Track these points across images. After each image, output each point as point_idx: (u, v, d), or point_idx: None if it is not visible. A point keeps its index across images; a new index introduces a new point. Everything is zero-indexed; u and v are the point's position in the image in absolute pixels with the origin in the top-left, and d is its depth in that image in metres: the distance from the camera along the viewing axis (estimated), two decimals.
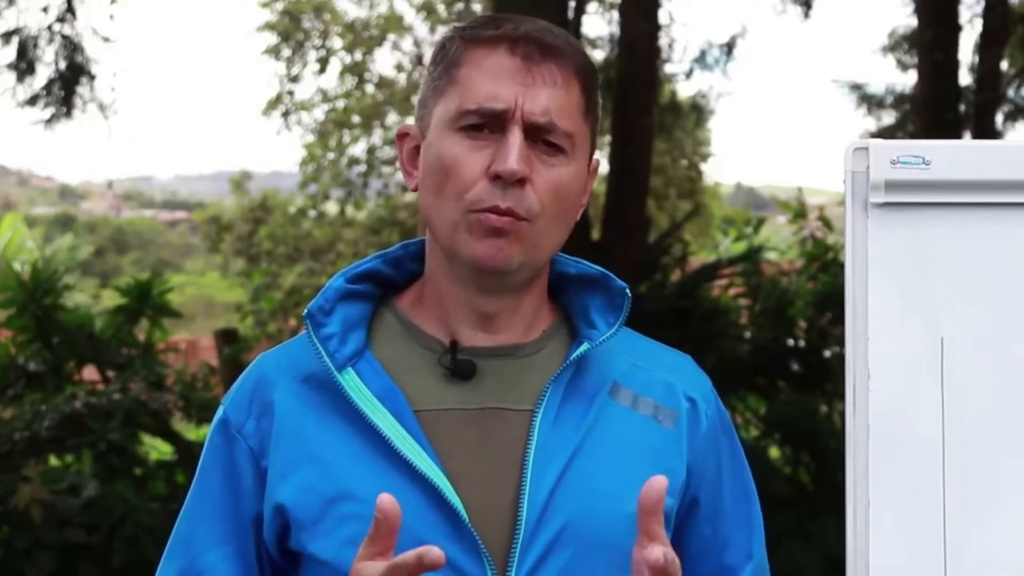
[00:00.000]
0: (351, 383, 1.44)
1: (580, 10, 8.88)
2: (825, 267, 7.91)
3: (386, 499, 1.27)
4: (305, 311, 1.47)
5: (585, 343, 1.48)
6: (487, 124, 1.43)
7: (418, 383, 1.46)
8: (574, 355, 1.47)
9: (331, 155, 21.48)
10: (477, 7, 15.95)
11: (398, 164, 1.53)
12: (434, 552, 1.24)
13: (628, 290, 1.52)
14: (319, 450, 1.44)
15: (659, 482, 1.30)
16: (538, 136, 1.43)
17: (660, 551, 1.27)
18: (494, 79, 1.43)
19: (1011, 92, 10.38)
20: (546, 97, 1.43)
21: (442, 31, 1.51)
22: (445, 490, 1.40)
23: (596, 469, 1.45)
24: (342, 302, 1.49)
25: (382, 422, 1.42)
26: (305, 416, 1.46)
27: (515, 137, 1.41)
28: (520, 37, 1.44)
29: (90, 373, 6.77)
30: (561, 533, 1.42)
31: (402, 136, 1.53)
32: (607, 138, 8.63)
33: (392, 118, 20.84)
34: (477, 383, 1.47)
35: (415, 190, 1.50)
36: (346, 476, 1.42)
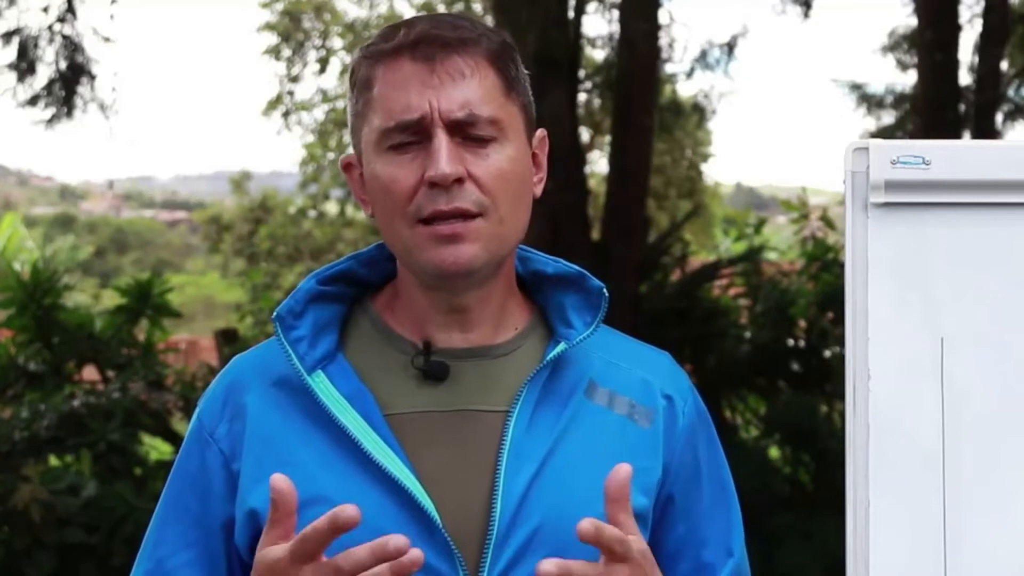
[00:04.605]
0: (321, 385, 1.44)
1: (580, 10, 8.87)
2: (826, 267, 7.91)
3: (279, 479, 1.27)
4: (274, 313, 1.46)
5: (562, 343, 1.48)
6: (412, 137, 1.41)
7: (390, 385, 1.46)
8: (550, 355, 1.47)
9: (331, 155, 21.47)
10: (477, 7, 15.94)
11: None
12: (348, 511, 1.24)
13: (605, 290, 1.51)
14: (290, 454, 1.44)
15: (624, 470, 1.30)
16: (463, 132, 1.41)
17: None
18: (404, 90, 1.41)
19: (1011, 92, 10.38)
20: (459, 92, 1.41)
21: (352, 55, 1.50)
22: (416, 492, 1.39)
23: (570, 471, 1.44)
24: (313, 304, 1.49)
25: (351, 424, 1.42)
26: (277, 420, 1.46)
27: (440, 140, 1.40)
28: (417, 40, 1.42)
29: (90, 373, 6.77)
30: (534, 535, 1.41)
31: (347, 167, 1.52)
32: (607, 138, 8.63)
33: None
34: (450, 385, 1.46)
35: (373, 216, 1.49)
36: (317, 480, 1.42)
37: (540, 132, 1.51)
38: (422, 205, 1.40)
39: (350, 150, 1.54)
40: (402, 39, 1.43)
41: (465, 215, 1.40)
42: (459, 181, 1.40)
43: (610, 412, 1.49)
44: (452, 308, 1.47)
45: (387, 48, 1.44)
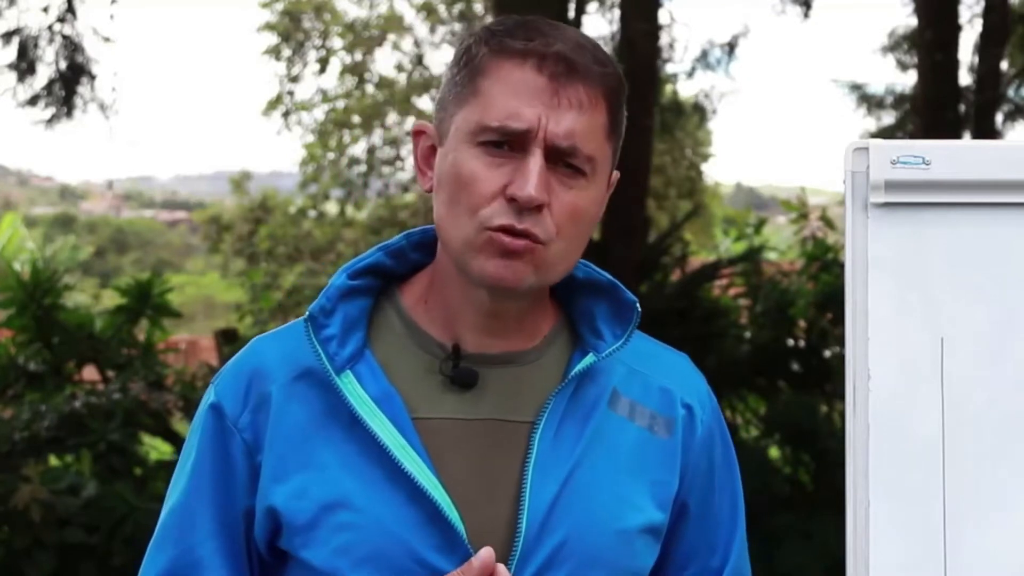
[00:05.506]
0: (349, 387, 1.42)
1: (580, 10, 8.87)
2: (826, 267, 7.90)
3: (487, 554, 1.36)
4: (307, 313, 1.44)
5: (591, 355, 1.47)
6: (508, 142, 1.39)
7: (417, 388, 1.44)
8: (578, 368, 1.45)
9: (331, 155, 21.48)
10: (477, 7, 15.93)
11: (412, 161, 1.50)
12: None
13: (639, 304, 1.49)
14: (314, 454, 1.42)
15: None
16: (559, 158, 1.39)
17: None
18: (518, 97, 1.38)
19: (1011, 92, 10.38)
20: (571, 120, 1.39)
21: (469, 29, 1.48)
22: (443, 504, 1.38)
23: (593, 485, 1.44)
24: (343, 300, 1.46)
25: (380, 429, 1.40)
26: (301, 416, 1.44)
27: (535, 161, 1.38)
28: (550, 55, 1.39)
29: (90, 373, 6.76)
30: (559, 550, 1.41)
31: (418, 134, 1.49)
32: None
33: (392, 118, 20.82)
34: (478, 392, 1.45)
35: (429, 191, 1.46)
36: (341, 483, 1.40)
37: (615, 176, 1.50)
38: (496, 215, 1.38)
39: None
40: (536, 46, 1.40)
41: (533, 239, 1.39)
42: (539, 208, 1.38)
43: (631, 424, 1.48)
44: (488, 312, 1.45)
45: (516, 47, 1.40)
